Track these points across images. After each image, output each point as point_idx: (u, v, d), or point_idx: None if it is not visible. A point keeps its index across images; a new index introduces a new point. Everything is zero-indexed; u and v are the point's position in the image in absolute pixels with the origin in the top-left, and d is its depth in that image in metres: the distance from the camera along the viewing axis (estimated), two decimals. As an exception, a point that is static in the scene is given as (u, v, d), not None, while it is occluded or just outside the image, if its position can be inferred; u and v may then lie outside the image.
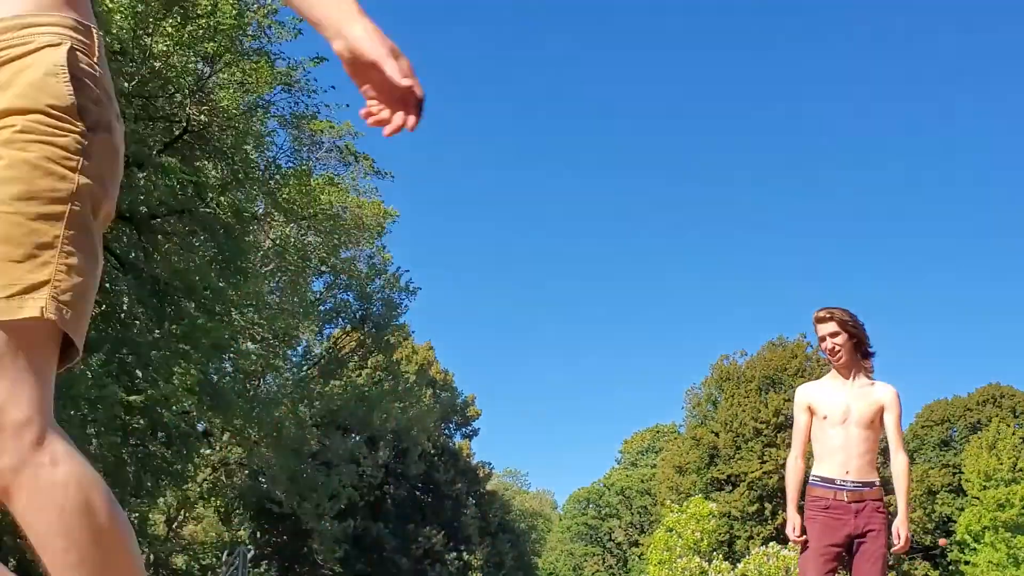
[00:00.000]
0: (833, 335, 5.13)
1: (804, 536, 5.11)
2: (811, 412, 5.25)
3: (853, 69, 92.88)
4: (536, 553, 64.29)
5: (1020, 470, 44.06)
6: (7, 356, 1.34)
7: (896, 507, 5.17)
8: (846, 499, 5.02)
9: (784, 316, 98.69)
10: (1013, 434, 47.50)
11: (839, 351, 5.13)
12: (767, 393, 49.91)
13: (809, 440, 5.30)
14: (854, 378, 5.21)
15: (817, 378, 5.76)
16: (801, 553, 5.08)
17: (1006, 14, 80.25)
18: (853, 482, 5.06)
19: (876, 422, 5.15)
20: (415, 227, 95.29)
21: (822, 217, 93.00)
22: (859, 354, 5.20)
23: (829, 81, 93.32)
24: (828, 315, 5.15)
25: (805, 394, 5.36)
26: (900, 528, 5.06)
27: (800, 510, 5.21)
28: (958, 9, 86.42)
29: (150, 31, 15.45)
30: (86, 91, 1.45)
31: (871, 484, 5.10)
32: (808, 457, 5.40)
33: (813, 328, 5.26)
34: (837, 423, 5.12)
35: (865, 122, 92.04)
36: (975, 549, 42.81)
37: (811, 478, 5.20)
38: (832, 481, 5.07)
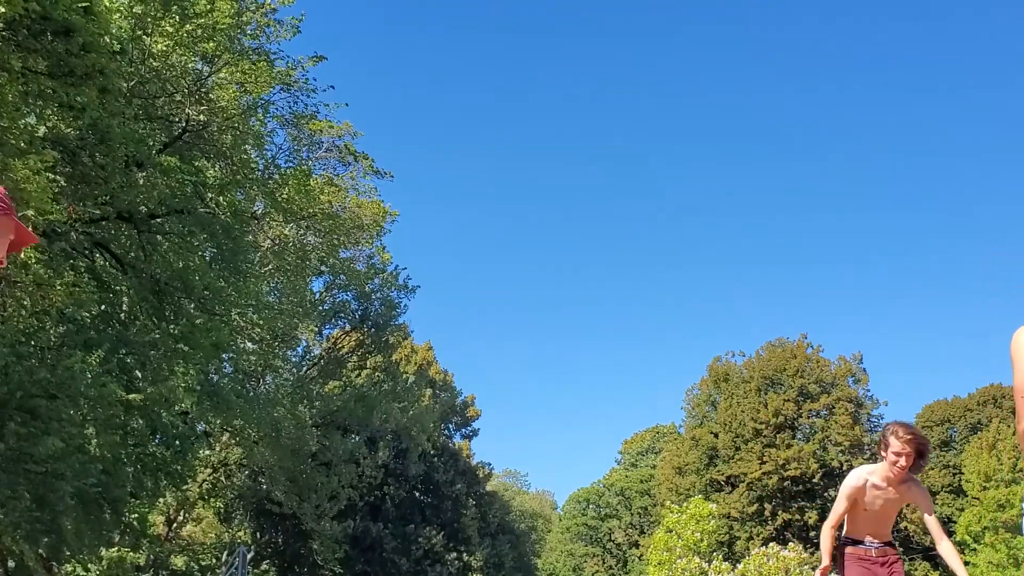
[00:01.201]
0: (908, 456, 6.10)
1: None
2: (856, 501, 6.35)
3: (862, 61, 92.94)
4: (536, 554, 64.19)
5: (1020, 471, 43.97)
6: None
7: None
8: (874, 555, 6.35)
9: (785, 316, 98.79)
10: (1013, 434, 47.35)
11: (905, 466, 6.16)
12: (766, 394, 49.81)
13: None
14: (900, 482, 6.27)
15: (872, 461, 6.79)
16: None
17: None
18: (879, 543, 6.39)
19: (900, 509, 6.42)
20: (415, 227, 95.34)
21: (822, 216, 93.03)
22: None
23: (839, 71, 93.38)
24: (912, 437, 6.13)
25: (858, 481, 6.36)
26: None
27: (833, 559, 6.42)
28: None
29: (149, 31, 15.43)
30: None
31: (891, 544, 6.44)
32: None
33: (887, 435, 6.19)
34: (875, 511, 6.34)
35: (867, 116, 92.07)
36: (975, 549, 42.69)
37: (843, 537, 6.42)
38: (862, 542, 6.38)
